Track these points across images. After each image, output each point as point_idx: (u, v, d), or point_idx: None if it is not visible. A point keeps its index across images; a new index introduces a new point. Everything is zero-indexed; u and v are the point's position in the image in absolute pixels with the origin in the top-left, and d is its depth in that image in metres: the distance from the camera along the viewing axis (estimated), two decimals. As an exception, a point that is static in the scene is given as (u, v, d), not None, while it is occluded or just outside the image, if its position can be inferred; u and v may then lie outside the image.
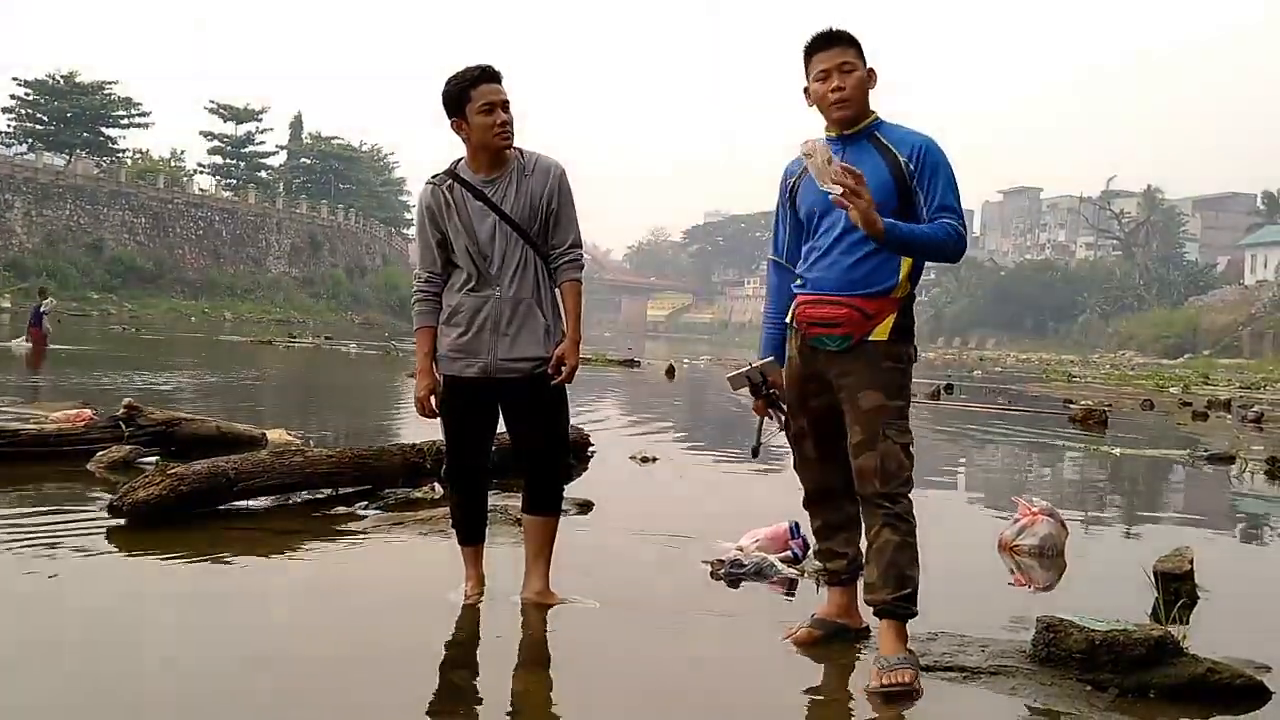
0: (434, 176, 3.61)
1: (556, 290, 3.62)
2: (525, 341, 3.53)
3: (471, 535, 3.72)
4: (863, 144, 3.21)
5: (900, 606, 3.14)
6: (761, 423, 3.52)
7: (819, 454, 3.35)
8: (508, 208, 3.50)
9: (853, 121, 3.23)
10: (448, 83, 3.50)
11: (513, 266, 3.51)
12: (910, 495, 3.21)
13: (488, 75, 3.47)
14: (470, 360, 3.53)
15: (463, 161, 3.59)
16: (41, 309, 19.50)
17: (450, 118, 3.50)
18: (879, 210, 3.10)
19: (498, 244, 3.50)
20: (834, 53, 3.19)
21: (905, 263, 3.17)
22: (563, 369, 3.54)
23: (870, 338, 3.16)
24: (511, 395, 3.58)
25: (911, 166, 3.13)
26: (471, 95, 3.44)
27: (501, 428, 3.73)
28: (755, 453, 3.55)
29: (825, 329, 3.22)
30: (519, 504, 5.11)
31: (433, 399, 3.62)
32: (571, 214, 3.62)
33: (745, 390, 3.53)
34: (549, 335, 3.57)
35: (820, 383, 3.28)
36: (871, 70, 3.23)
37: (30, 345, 18.29)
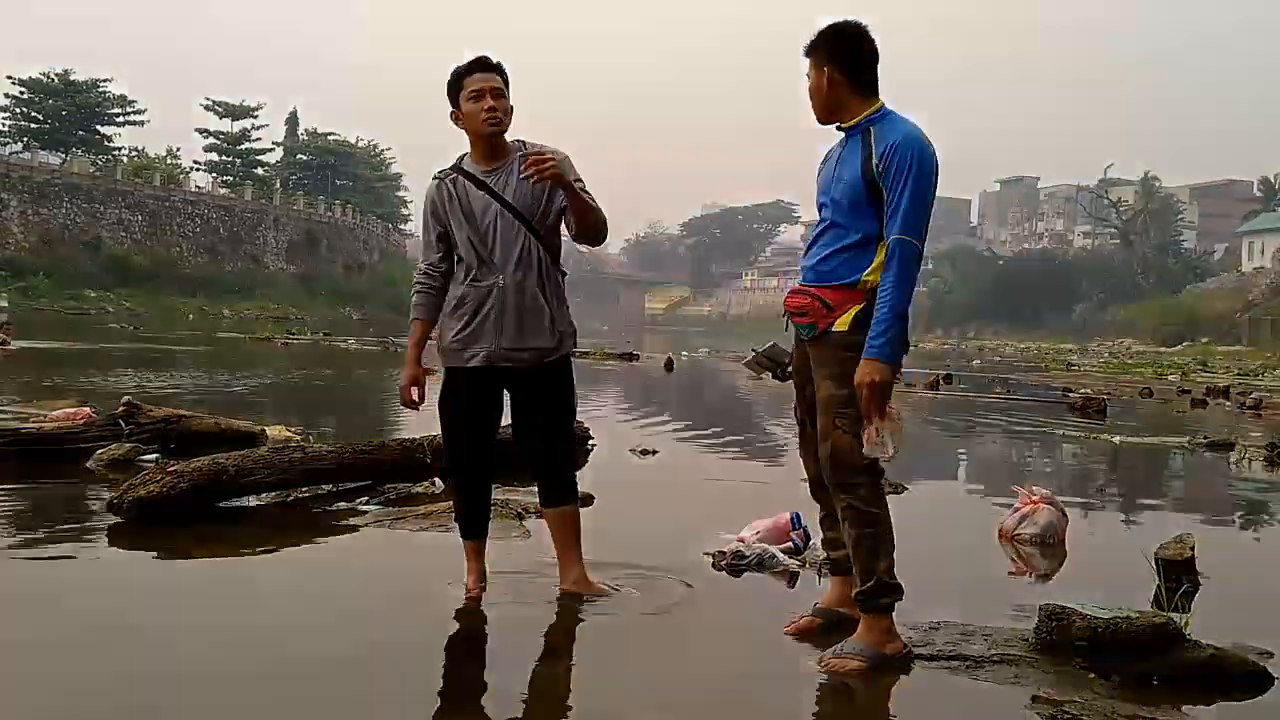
0: (440, 171, 3.63)
1: (560, 279, 3.64)
2: (530, 330, 3.53)
3: (474, 530, 3.72)
4: (856, 139, 3.20)
5: (862, 600, 3.15)
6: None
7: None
8: (509, 196, 3.51)
9: (835, 121, 3.25)
10: (448, 79, 3.54)
11: (514, 254, 3.50)
12: (874, 484, 3.17)
13: (480, 64, 3.50)
14: (474, 349, 3.53)
15: (466, 155, 3.61)
16: None
17: (451, 109, 3.53)
18: (850, 205, 3.14)
19: (499, 232, 3.50)
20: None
21: (878, 258, 3.15)
22: (542, 155, 3.34)
23: (833, 328, 3.18)
24: (517, 386, 3.59)
25: (880, 166, 3.08)
26: (464, 84, 3.48)
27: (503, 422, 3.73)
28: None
29: (797, 318, 3.28)
30: (520, 498, 5.14)
31: (414, 390, 3.63)
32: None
33: (767, 377, 3.55)
34: (554, 325, 3.57)
35: (809, 371, 3.31)
36: (826, 72, 3.16)
37: None
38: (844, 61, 3.17)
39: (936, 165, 3.12)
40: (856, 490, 3.13)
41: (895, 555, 3.17)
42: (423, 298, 3.65)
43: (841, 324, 3.16)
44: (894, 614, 3.17)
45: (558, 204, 3.56)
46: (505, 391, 3.66)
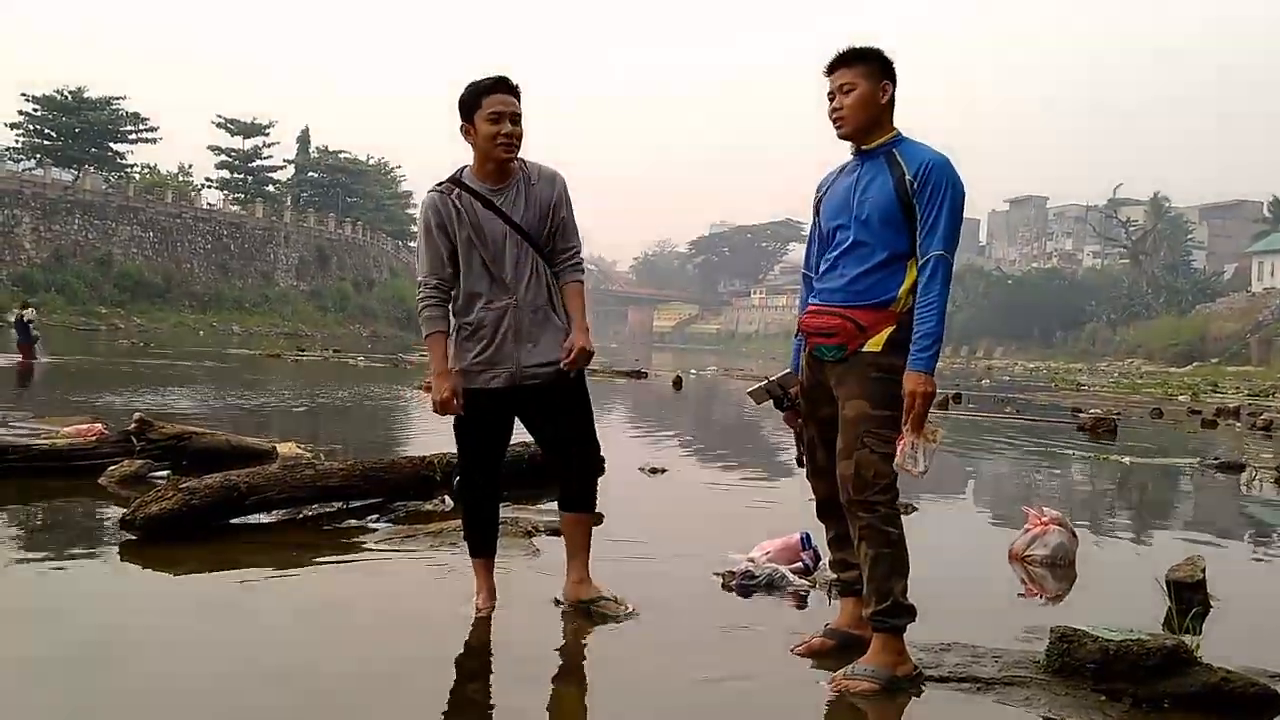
0: (439, 184, 3.61)
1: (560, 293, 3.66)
2: (546, 347, 3.57)
3: (483, 548, 3.74)
4: (878, 161, 3.24)
5: (876, 620, 3.15)
6: (798, 434, 3.54)
7: (830, 464, 3.35)
8: (517, 217, 3.54)
9: (860, 138, 3.28)
10: (464, 91, 3.52)
11: (526, 274, 3.54)
12: (892, 504, 3.18)
13: (502, 85, 3.49)
14: (495, 371, 3.56)
15: (468, 169, 3.61)
16: (26, 321, 18.70)
17: (462, 122, 3.52)
18: (881, 224, 3.17)
19: (509, 252, 3.53)
20: (837, 75, 3.27)
21: (908, 278, 3.18)
22: (574, 356, 3.57)
23: (864, 349, 3.19)
24: (536, 401, 3.62)
25: (915, 184, 3.14)
26: (483, 103, 3.47)
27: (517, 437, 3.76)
28: (800, 462, 3.57)
29: (823, 339, 3.28)
30: (529, 516, 5.15)
31: (456, 401, 3.56)
32: (574, 220, 3.69)
33: (770, 403, 3.56)
34: (567, 339, 3.61)
35: (825, 392, 3.31)
36: (884, 86, 3.23)
37: (21, 359, 18.04)
38: (893, 84, 3.26)
39: (964, 191, 3.20)
40: (877, 510, 3.14)
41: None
42: (437, 310, 3.60)
43: (874, 344, 3.17)
44: (905, 635, 3.17)
45: (557, 222, 3.61)
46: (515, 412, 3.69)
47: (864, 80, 3.22)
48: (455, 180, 3.59)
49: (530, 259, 3.55)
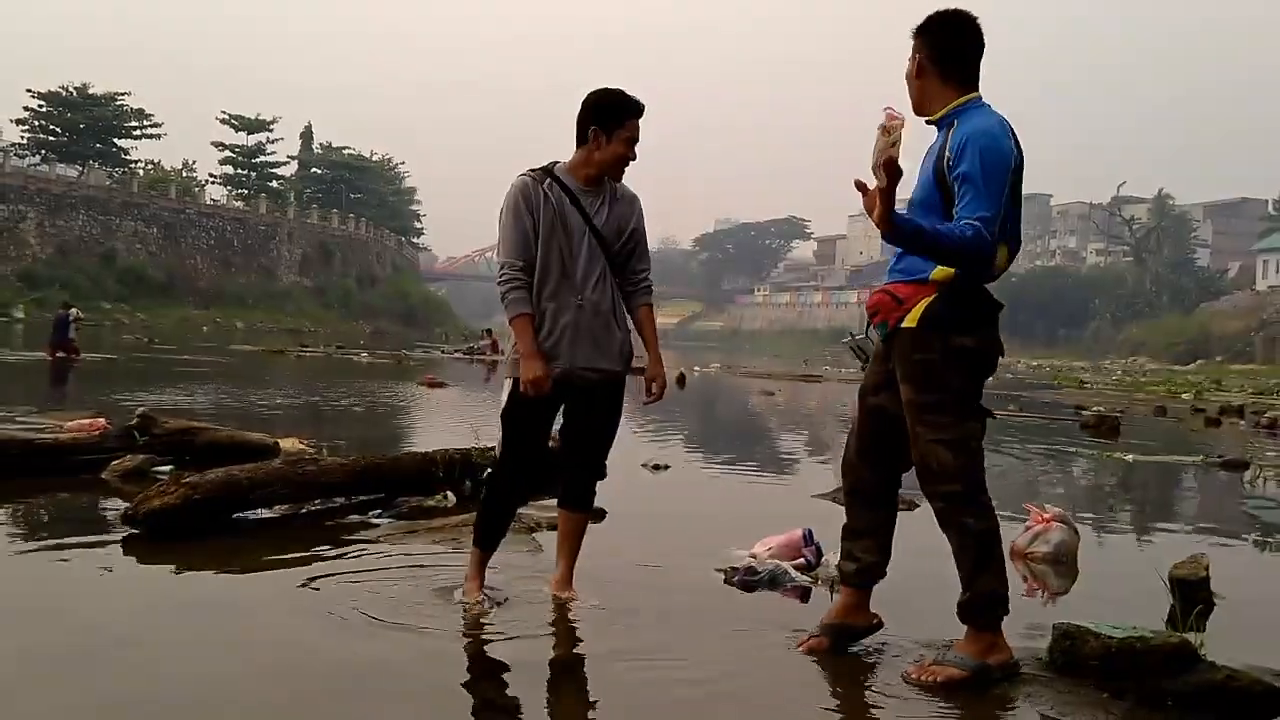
0: (531, 170, 3.67)
1: (624, 307, 3.75)
2: (603, 351, 3.65)
3: (487, 541, 3.78)
4: (941, 134, 3.13)
5: (962, 612, 3.15)
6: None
7: (862, 450, 3.34)
8: (599, 224, 3.64)
9: (918, 110, 3.20)
10: (611, 95, 3.60)
11: (595, 276, 3.63)
12: (964, 495, 3.13)
13: (642, 111, 3.62)
14: (549, 365, 3.60)
15: (560, 165, 3.68)
16: (70, 319, 19.25)
17: (592, 124, 3.58)
18: (921, 203, 3.10)
19: (585, 252, 3.62)
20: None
21: None
22: (653, 388, 3.78)
23: (902, 325, 3.13)
24: (578, 397, 3.70)
25: (950, 161, 3.00)
26: (625, 123, 3.58)
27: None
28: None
29: (872, 317, 3.27)
30: (531, 512, 5.16)
31: (546, 382, 3.56)
32: (647, 243, 3.82)
33: (853, 360, 3.56)
34: (623, 350, 3.70)
35: (886, 377, 3.26)
36: (918, 55, 3.14)
37: (63, 356, 18.34)
38: (934, 50, 3.13)
39: (1011, 158, 3.00)
40: (949, 500, 3.13)
41: (963, 572, 3.16)
42: (523, 292, 3.59)
43: (911, 320, 3.09)
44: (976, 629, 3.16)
45: (634, 243, 3.73)
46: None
47: (911, 55, 3.18)
48: (547, 171, 3.66)
49: (601, 263, 3.64)
